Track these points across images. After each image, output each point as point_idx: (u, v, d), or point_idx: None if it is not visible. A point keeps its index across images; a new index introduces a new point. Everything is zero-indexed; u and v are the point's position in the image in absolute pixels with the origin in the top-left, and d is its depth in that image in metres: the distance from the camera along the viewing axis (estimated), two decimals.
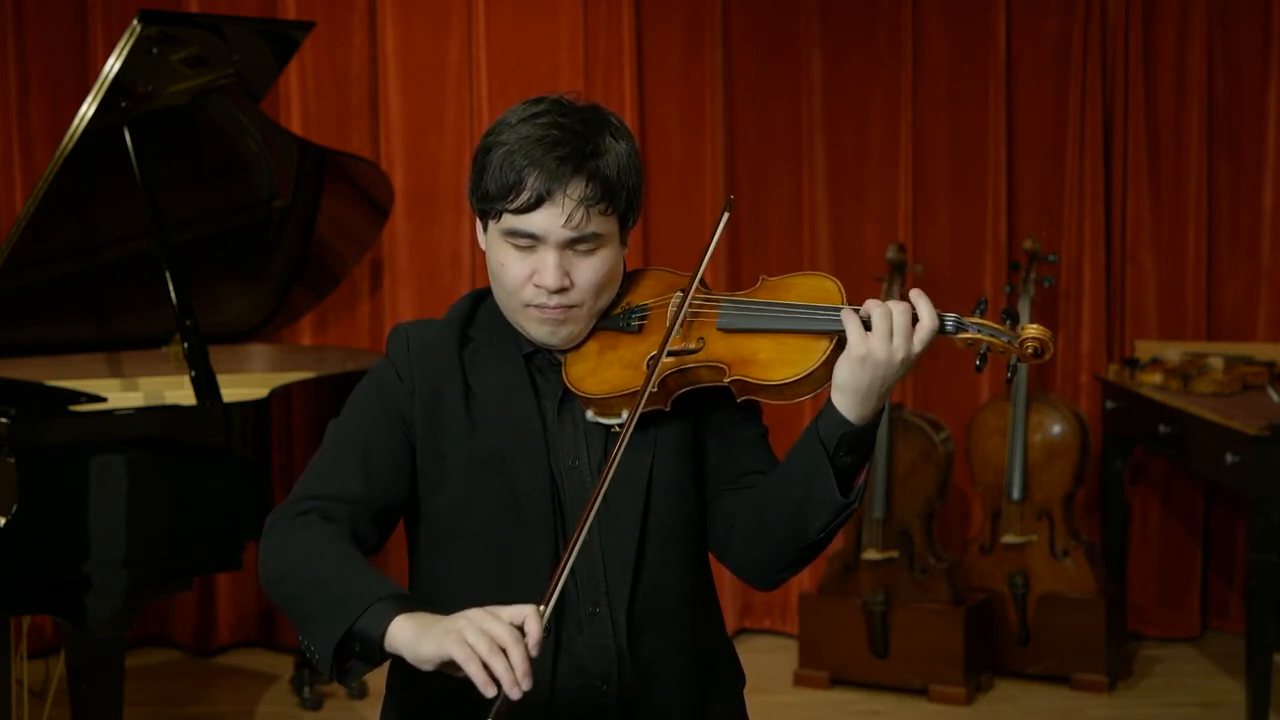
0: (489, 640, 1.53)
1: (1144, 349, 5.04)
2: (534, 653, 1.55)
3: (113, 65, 3.53)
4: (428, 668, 1.58)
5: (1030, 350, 1.73)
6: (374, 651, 1.63)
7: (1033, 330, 1.73)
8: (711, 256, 1.83)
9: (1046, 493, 4.73)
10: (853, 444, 1.74)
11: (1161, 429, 4.48)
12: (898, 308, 1.71)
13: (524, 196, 1.77)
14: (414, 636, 1.59)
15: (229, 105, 4.01)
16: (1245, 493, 4.06)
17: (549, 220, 1.77)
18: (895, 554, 4.63)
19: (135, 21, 3.51)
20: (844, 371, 1.71)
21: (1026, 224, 5.19)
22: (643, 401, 1.75)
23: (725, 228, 1.88)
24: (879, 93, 5.21)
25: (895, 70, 5.17)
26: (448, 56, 5.14)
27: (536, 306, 1.82)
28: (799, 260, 5.21)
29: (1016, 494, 4.72)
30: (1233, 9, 5.13)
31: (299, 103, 5.07)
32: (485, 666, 1.52)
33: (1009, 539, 4.71)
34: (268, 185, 4.27)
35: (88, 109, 3.53)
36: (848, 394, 1.72)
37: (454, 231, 5.16)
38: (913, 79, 5.16)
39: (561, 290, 1.80)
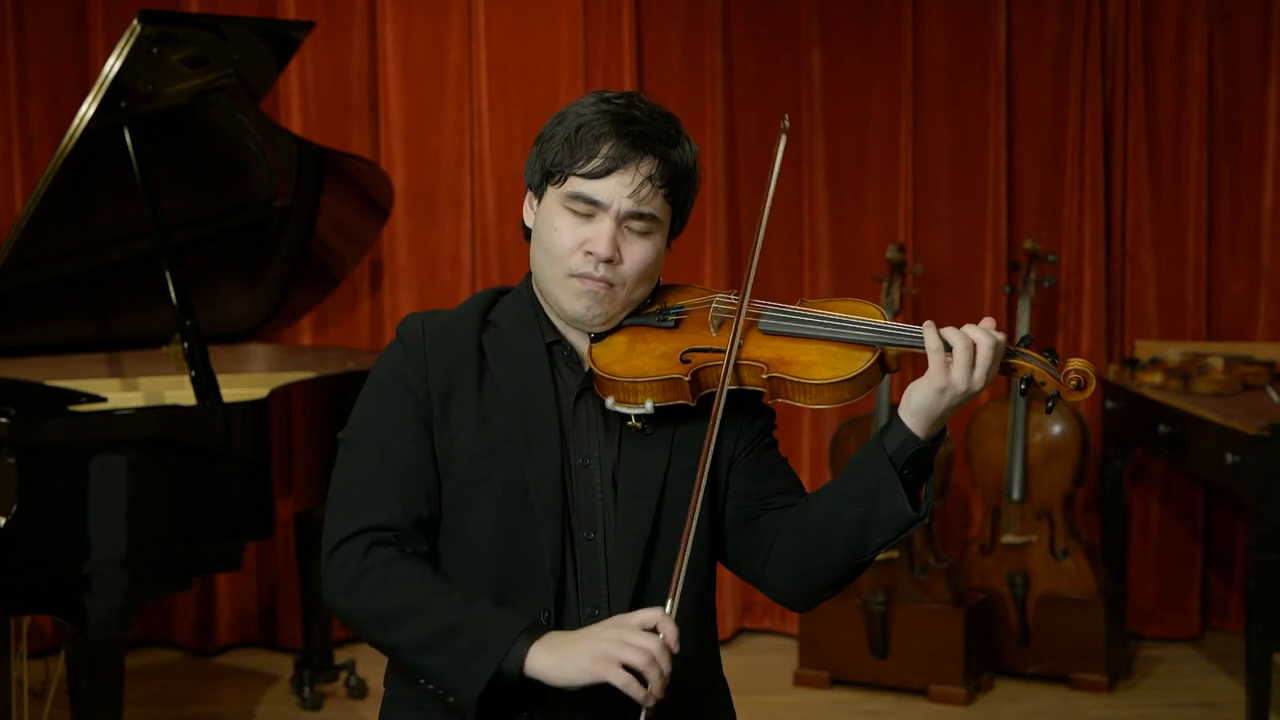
0: (643, 655, 1.65)
1: (1144, 349, 5.04)
2: (675, 650, 1.67)
3: (113, 65, 3.53)
4: (572, 686, 1.69)
5: (1073, 383, 1.75)
6: (513, 684, 1.71)
7: (1077, 363, 1.76)
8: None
9: (1046, 493, 4.73)
10: (918, 460, 1.77)
11: (1161, 429, 4.48)
12: (983, 341, 1.74)
13: (595, 162, 1.81)
14: (557, 664, 1.69)
15: (229, 105, 4.01)
16: (1245, 493, 4.06)
17: (616, 189, 1.81)
18: (895, 554, 4.62)
19: (135, 21, 3.50)
20: (922, 396, 1.75)
21: (1026, 224, 5.19)
22: (732, 356, 1.78)
23: (776, 170, 1.88)
24: (879, 93, 5.21)
25: (895, 70, 5.17)
26: (448, 56, 5.14)
27: (580, 276, 1.83)
28: (799, 260, 5.21)
29: (1016, 494, 4.72)
30: (1233, 8, 5.13)
31: (299, 103, 5.07)
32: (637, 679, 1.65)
33: (1009, 539, 4.71)
34: (268, 185, 4.27)
35: (88, 109, 3.53)
36: (921, 415, 1.75)
37: (454, 231, 5.16)
38: (913, 79, 5.16)
39: (610, 262, 1.82)
